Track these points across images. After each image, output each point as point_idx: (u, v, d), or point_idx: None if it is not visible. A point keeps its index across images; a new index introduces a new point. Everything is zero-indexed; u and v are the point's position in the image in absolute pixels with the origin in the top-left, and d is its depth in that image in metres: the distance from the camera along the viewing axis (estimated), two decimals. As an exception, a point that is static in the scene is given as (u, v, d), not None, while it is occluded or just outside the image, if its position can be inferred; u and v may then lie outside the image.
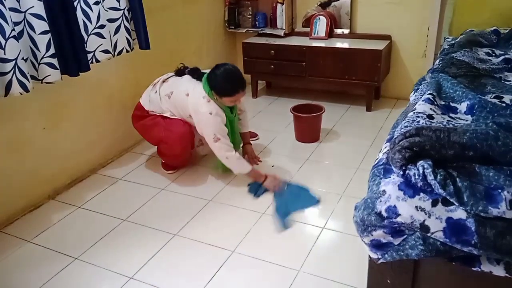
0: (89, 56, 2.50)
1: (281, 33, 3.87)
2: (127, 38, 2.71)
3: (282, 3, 3.83)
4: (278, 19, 3.93)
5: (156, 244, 2.17)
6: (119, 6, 2.61)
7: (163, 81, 2.71)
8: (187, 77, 2.63)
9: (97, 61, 2.57)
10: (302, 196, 2.47)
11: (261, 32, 3.98)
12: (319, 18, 3.78)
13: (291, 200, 2.43)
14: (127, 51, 2.74)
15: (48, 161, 2.58)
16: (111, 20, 2.59)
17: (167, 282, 1.93)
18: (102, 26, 2.53)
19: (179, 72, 2.70)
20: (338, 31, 3.81)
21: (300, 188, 2.53)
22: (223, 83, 2.47)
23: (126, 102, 3.03)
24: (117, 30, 2.63)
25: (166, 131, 2.62)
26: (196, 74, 2.61)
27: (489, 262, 1.27)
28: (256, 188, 2.53)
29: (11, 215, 2.41)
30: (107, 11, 2.56)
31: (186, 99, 2.55)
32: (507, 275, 1.25)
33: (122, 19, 2.64)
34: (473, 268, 1.29)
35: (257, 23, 4.05)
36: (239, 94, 2.49)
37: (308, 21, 3.87)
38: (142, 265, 2.03)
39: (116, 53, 2.67)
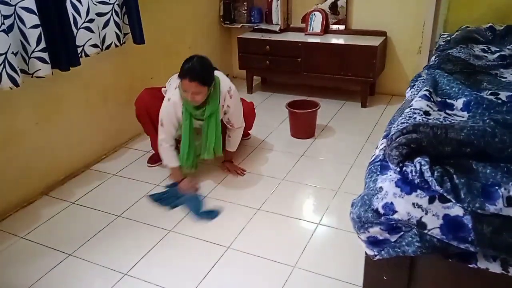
0: (79, 50, 2.48)
1: (277, 28, 3.85)
2: (116, 33, 2.68)
3: (278, -2, 3.81)
4: (273, 15, 3.91)
5: (151, 240, 2.16)
6: (109, 0, 2.58)
7: None
8: None
9: (86, 55, 2.55)
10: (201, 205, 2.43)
11: (257, 27, 3.96)
12: (314, 14, 3.76)
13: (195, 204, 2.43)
14: (116, 46, 2.71)
15: (41, 156, 2.55)
16: (100, 14, 2.57)
17: (162, 278, 1.92)
18: (91, 20, 2.51)
19: None
20: (334, 27, 3.80)
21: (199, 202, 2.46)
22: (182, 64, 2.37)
23: (120, 97, 3.01)
24: (106, 24, 2.61)
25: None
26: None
27: (485, 259, 1.27)
28: (159, 198, 2.48)
29: (3, 210, 2.38)
30: (96, 5, 2.53)
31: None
32: (503, 272, 1.26)
33: (112, 14, 2.62)
34: (469, 265, 1.29)
35: (252, 18, 4.02)
36: (185, 81, 2.30)
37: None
38: (136, 262, 2.02)
39: (104, 47, 2.64)
